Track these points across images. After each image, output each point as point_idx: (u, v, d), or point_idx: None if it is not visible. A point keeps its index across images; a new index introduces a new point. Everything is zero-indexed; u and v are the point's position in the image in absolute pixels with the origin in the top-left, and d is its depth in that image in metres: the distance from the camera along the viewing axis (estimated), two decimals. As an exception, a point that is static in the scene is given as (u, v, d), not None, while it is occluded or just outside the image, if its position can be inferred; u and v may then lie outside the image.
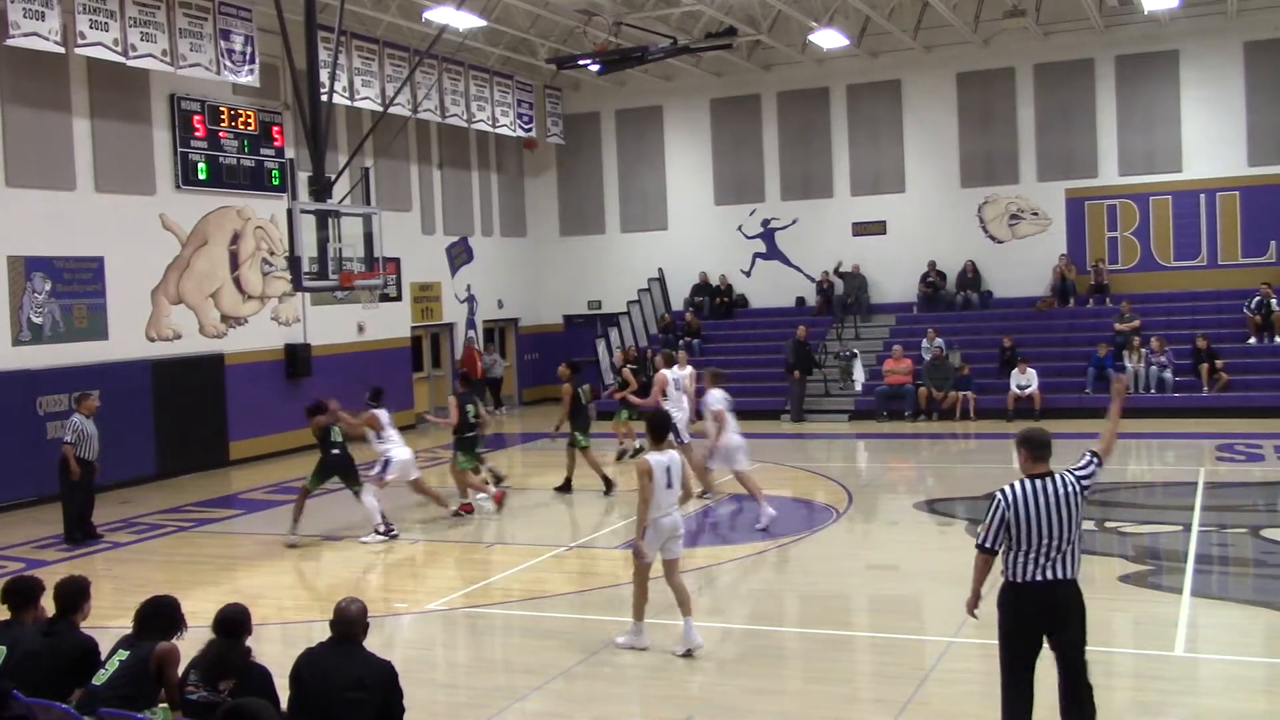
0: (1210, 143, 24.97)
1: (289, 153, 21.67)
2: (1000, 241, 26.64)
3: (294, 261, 15.20)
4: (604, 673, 8.91)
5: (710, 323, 28.15)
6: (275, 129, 21.71)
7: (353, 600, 6.21)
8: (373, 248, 16.26)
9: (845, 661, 9.23)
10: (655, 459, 9.09)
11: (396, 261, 24.48)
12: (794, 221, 28.18)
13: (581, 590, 11.43)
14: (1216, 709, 7.78)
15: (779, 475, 17.72)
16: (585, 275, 30.07)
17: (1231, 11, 23.94)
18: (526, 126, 27.42)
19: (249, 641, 6.31)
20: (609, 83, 28.37)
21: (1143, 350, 22.84)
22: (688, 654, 9.03)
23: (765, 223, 28.53)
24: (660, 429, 9.37)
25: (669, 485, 9.17)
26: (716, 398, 14.19)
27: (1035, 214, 26.33)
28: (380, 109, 21.39)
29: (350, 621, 6.08)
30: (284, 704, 6.07)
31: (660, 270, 29.23)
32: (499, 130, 26.50)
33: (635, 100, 29.27)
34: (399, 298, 25.31)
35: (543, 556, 12.86)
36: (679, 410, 15.63)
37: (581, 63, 23.53)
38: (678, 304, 29.08)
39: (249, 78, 19.35)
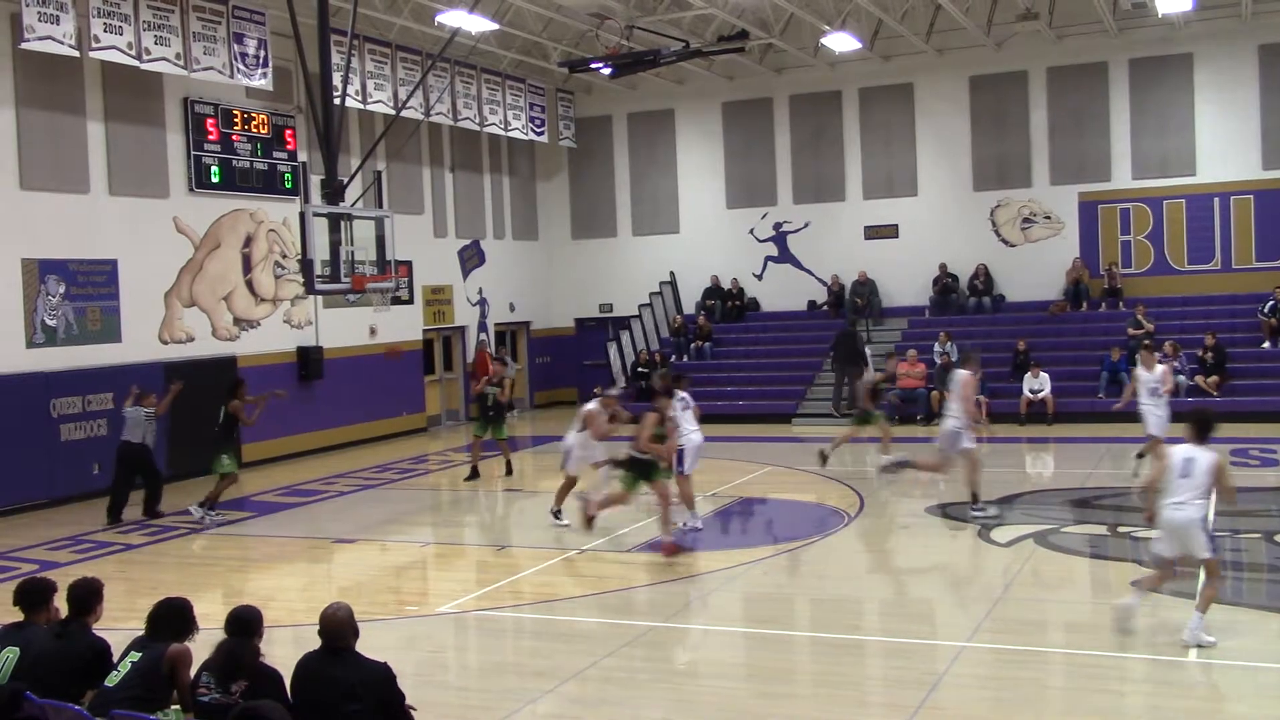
0: (1224, 146, 24.89)
1: (302, 156, 21.73)
2: (1013, 245, 26.58)
3: (306, 264, 15.25)
4: (616, 676, 8.90)
5: (721, 326, 28.14)
6: (288, 132, 21.76)
7: (338, 606, 6.18)
8: (385, 251, 16.30)
9: (857, 666, 9.21)
10: None
11: (408, 264, 24.53)
12: (806, 225, 28.15)
13: (593, 593, 11.42)
14: (1228, 714, 7.74)
15: (790, 479, 17.71)
16: (597, 278, 30.08)
17: (1246, 14, 23.86)
18: (539, 129, 27.44)
19: (261, 644, 6.32)
20: (621, 86, 28.39)
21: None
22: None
23: (777, 226, 28.50)
24: None
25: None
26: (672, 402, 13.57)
27: (1048, 217, 26.26)
28: (393, 112, 21.43)
29: (336, 628, 6.06)
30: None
31: (672, 273, 29.23)
32: (511, 133, 26.52)
33: (647, 103, 29.28)
34: (411, 301, 25.35)
35: (554, 559, 12.86)
36: (695, 433, 14.20)
37: (593, 66, 23.50)
38: (689, 307, 29.09)
39: (262, 81, 19.40)
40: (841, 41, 23.78)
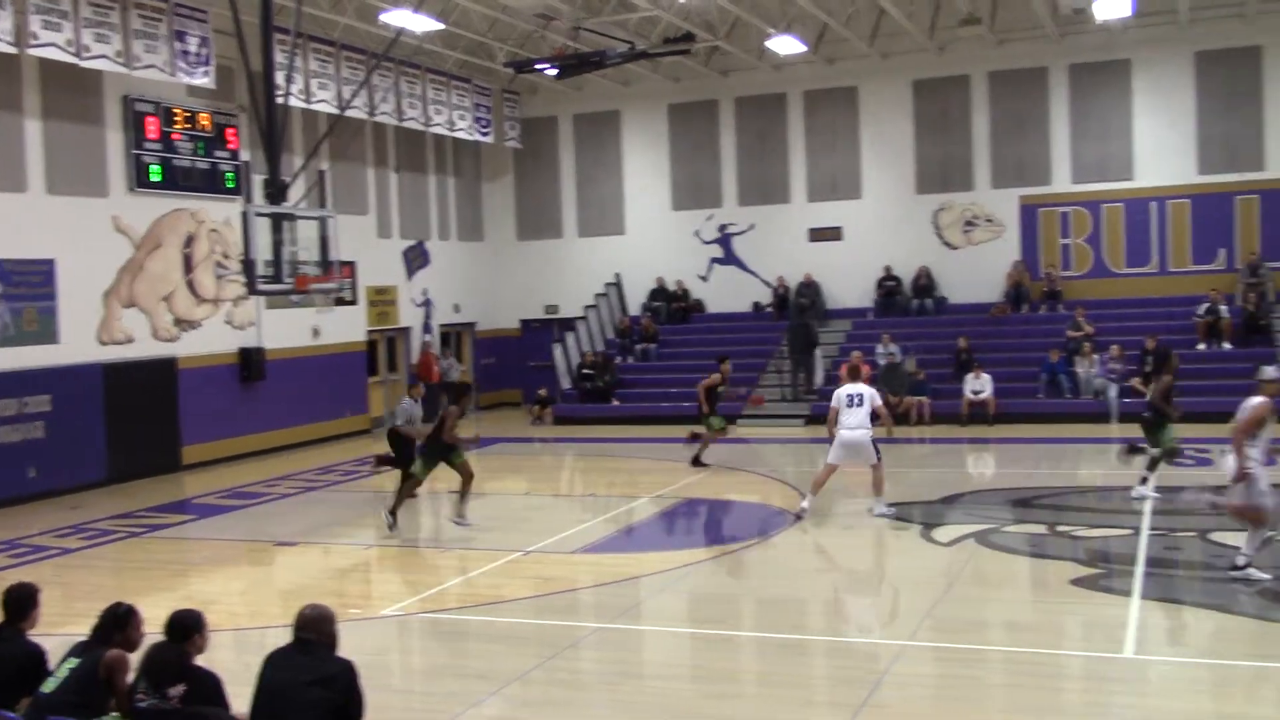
0: (1161, 151, 25.32)
1: (244, 155, 21.51)
2: (955, 247, 26.87)
3: (248, 265, 15.09)
4: (561, 678, 8.90)
5: (667, 327, 28.21)
6: (230, 131, 21.53)
7: (316, 605, 6.17)
8: (328, 251, 16.17)
9: (801, 665, 9.27)
10: None
11: (352, 265, 24.34)
12: (751, 227, 28.29)
13: (538, 595, 11.41)
14: (1162, 709, 7.88)
15: (733, 480, 17.78)
16: (542, 279, 30.05)
17: (1183, 22, 24.28)
18: (485, 130, 27.36)
19: (205, 647, 6.26)
20: (567, 87, 28.38)
21: (1094, 357, 23.11)
22: None
23: (722, 228, 28.62)
24: None
25: None
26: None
27: (989, 220, 26.58)
28: (337, 111, 21.27)
29: (309, 623, 6.02)
30: (237, 708, 6.04)
31: (617, 275, 29.26)
32: (457, 134, 26.43)
33: (593, 105, 29.29)
34: (354, 302, 25.17)
35: (499, 561, 12.83)
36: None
37: (539, 67, 23.53)
38: (635, 308, 29.14)
39: (204, 79, 19.19)
40: (786, 45, 23.93)
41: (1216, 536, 12.34)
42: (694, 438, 19.21)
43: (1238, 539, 10.93)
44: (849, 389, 14.22)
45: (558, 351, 27.01)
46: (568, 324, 28.23)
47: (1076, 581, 10.94)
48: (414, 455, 15.63)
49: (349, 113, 21.01)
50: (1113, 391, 22.40)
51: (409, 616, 10.85)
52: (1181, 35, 24.73)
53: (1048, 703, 8.07)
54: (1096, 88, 25.65)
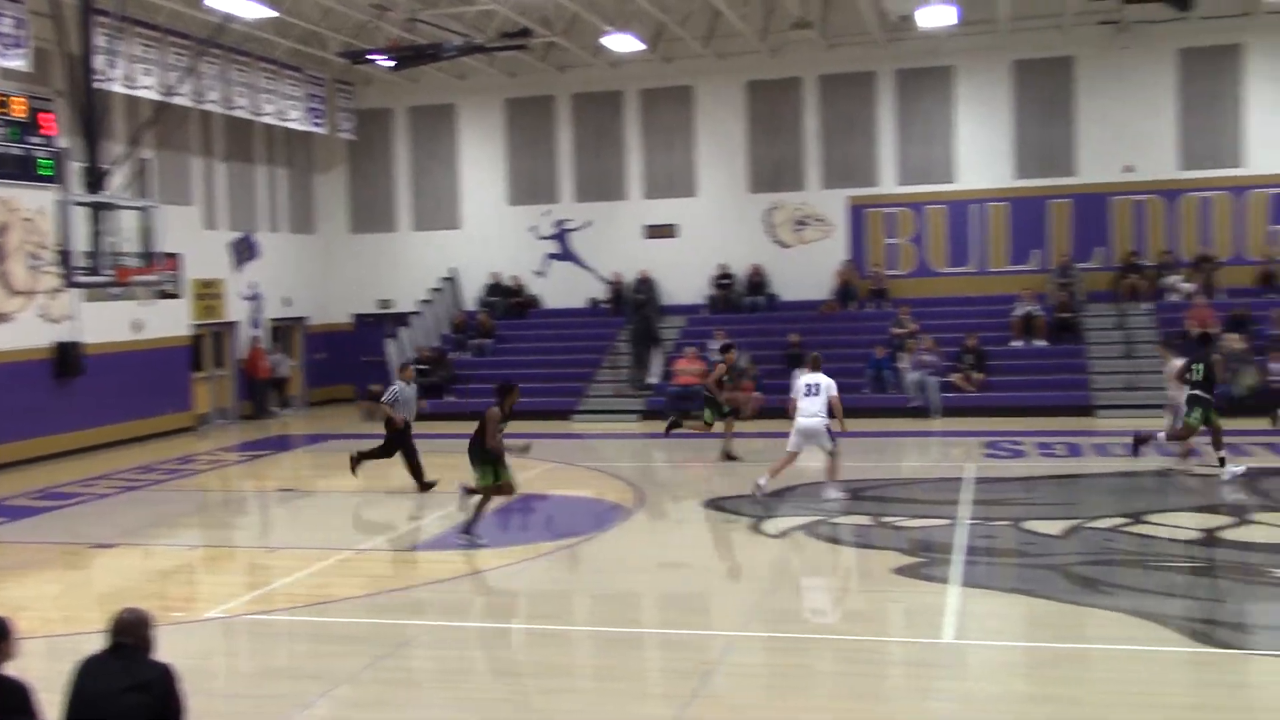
0: (981, 155, 26.35)
1: (62, 142, 20.57)
2: (787, 246, 27.45)
3: (64, 256, 14.48)
4: (393, 678, 8.80)
5: (504, 323, 28.09)
6: (46, 117, 20.53)
7: (133, 609, 5.97)
8: (151, 242, 15.63)
9: (634, 659, 9.36)
10: None
11: (176, 257, 23.51)
12: (588, 223, 28.38)
13: (369, 594, 11.24)
14: (978, 691, 8.21)
15: (570, 475, 17.83)
16: (376, 273, 29.61)
17: (1003, 31, 25.27)
18: (317, 120, 26.79)
19: (14, 654, 5.98)
20: (402, 79, 27.97)
21: (916, 353, 23.89)
22: None
23: (559, 224, 28.64)
24: None
25: None
26: None
27: (819, 220, 27.23)
28: (161, 98, 20.55)
29: (126, 627, 5.83)
30: (50, 718, 5.80)
31: (453, 269, 29.02)
32: (288, 124, 25.80)
33: (429, 97, 28.97)
34: (179, 295, 24.34)
35: (329, 560, 12.60)
36: None
37: (374, 58, 23.13)
38: (471, 304, 28.94)
39: (19, 62, 18.28)
40: (623, 42, 24.07)
41: (1029, 525, 12.91)
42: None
43: (1049, 528, 11.46)
44: (807, 378, 14.90)
45: (391, 347, 26.64)
46: (402, 319, 27.87)
47: (899, 570, 11.31)
48: (399, 442, 16.00)
49: (174, 100, 20.32)
50: (931, 385, 23.17)
51: (234, 618, 10.57)
52: (1001, 44, 25.74)
53: (872, 688, 8.33)
54: (922, 93, 26.53)
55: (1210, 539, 12.24)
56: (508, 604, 11.13)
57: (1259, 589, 10.48)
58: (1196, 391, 15.67)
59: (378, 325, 28.72)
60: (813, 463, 15.47)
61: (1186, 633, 9.19)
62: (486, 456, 12.82)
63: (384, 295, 29.56)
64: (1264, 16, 24.21)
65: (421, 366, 26.25)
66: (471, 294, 29.08)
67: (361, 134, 29.14)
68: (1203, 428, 15.68)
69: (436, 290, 28.74)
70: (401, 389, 16.47)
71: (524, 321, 28.31)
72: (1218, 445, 15.50)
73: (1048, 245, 26.07)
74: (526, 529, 15.10)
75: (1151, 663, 8.58)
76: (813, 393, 14.64)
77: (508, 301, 28.54)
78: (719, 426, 18.73)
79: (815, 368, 15.07)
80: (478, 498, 12.96)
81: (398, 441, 16.27)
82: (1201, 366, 15.79)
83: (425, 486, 16.08)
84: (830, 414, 14.57)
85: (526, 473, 17.57)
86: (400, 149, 29.50)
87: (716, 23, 25.46)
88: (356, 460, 16.53)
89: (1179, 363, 16.64)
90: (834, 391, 14.64)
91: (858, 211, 27.04)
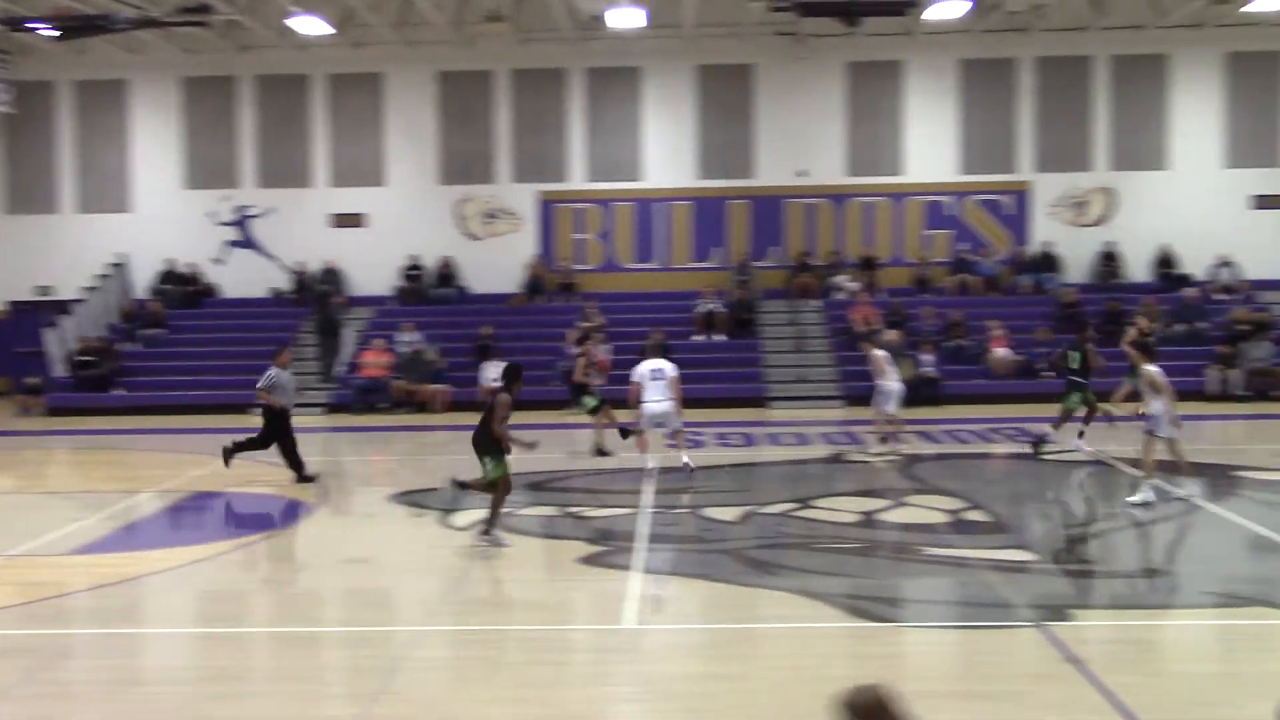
0: (666, 155, 27.19)
1: None
2: (478, 239, 27.44)
3: None
4: (52, 691, 8.22)
5: (178, 313, 26.74)
6: None
7: None
8: None
9: (316, 658, 9.12)
10: None
11: None
12: (271, 210, 27.42)
13: (23, 603, 10.44)
14: (658, 673, 8.48)
15: (248, 471, 17.15)
16: (35, 257, 27.54)
17: (688, 35, 26.13)
18: (-35, 90, 24.66)
19: None
20: (67, 50, 26.08)
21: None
22: None
23: (240, 210, 27.53)
24: None
25: None
26: None
27: (510, 214, 27.36)
28: None
29: None
30: None
31: (122, 255, 27.36)
32: (-70, 91, 23.63)
33: (97, 72, 27.21)
34: None
35: (-22, 567, 11.63)
36: None
37: (34, 26, 21.51)
38: (142, 291, 27.38)
39: None
40: (309, 24, 23.40)
41: (707, 512, 13.44)
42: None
43: (725, 514, 11.93)
44: (652, 365, 15.79)
45: (51, 336, 24.85)
46: (64, 307, 26.05)
47: (584, 560, 11.53)
48: (279, 430, 15.21)
49: None
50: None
51: None
52: (686, 49, 26.62)
53: (556, 676, 8.44)
54: (611, 92, 27.09)
55: (869, 521, 13.09)
56: (179, 607, 10.60)
57: (911, 565, 11.29)
58: (1074, 378, 17.06)
59: (36, 313, 26.72)
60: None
61: (847, 609, 9.79)
62: (496, 446, 11.92)
63: (43, 281, 27.56)
64: (922, 36, 26.11)
65: (86, 358, 24.65)
66: (143, 281, 27.52)
67: (20, 107, 27.01)
68: (1081, 410, 17.08)
69: (104, 277, 27.02)
70: (278, 375, 15.68)
71: (200, 311, 27.06)
72: (1087, 422, 17.14)
73: (728, 244, 27.20)
74: (200, 528, 14.42)
75: (817, 639, 9.10)
76: (659, 377, 15.63)
77: (183, 290, 27.18)
78: (588, 420, 18.46)
79: (659, 354, 16.11)
80: (473, 493, 12.36)
81: (275, 431, 15.51)
82: (1079, 355, 17.11)
83: (305, 479, 15.39)
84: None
85: (201, 470, 16.81)
86: (64, 124, 27.58)
87: (408, 11, 25.10)
88: (231, 452, 15.70)
89: (880, 355, 17.76)
90: (675, 373, 15.81)
91: (547, 206, 27.33)
